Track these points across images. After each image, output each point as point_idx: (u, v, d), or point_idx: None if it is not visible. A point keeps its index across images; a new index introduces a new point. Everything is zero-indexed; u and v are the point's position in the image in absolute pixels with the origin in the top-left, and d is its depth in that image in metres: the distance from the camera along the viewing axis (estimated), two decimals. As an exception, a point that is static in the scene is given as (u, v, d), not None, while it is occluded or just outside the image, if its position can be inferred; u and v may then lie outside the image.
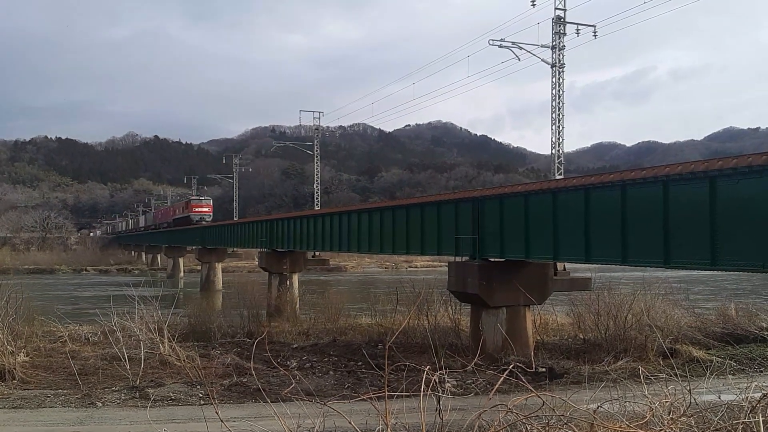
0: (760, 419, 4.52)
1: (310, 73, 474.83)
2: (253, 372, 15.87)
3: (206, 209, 79.95)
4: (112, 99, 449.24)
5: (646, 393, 6.25)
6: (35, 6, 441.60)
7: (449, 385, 15.30)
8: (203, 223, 72.91)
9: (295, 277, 40.58)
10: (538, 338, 21.73)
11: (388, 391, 4.96)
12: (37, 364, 18.53)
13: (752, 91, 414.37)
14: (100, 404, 14.62)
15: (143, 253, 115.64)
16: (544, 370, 17.72)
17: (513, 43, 31.02)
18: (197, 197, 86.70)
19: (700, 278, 49.43)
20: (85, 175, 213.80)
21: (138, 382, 16.07)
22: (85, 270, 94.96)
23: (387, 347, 5.29)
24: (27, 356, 18.95)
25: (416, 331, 21.97)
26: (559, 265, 20.84)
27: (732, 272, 17.71)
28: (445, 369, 5.58)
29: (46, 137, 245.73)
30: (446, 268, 21.77)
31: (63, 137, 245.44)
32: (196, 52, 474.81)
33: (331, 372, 18.49)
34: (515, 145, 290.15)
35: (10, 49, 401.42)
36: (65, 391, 15.65)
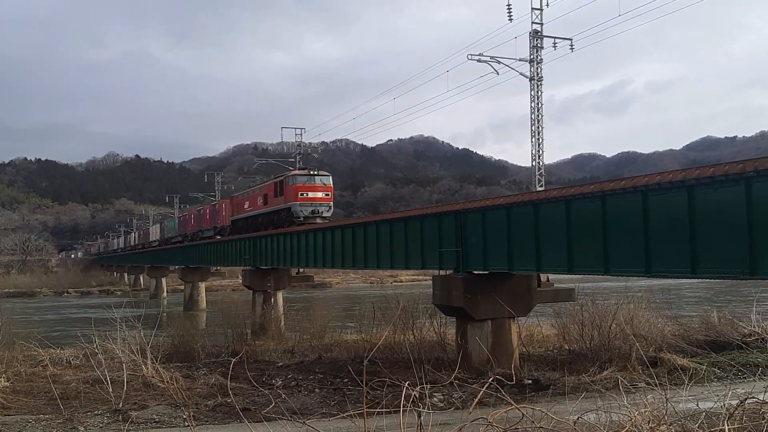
0: (726, 427, 4.56)
1: (292, 90, 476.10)
2: (231, 392, 15.73)
3: (322, 194, 40.75)
4: (93, 120, 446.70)
5: (627, 403, 6.28)
6: (18, 29, 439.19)
7: (435, 399, 15.27)
8: (318, 221, 38.13)
9: (280, 295, 40.32)
10: (524, 350, 21.75)
11: (374, 408, 4.94)
12: (18, 389, 18.21)
13: (727, 101, 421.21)
14: (82, 428, 14.39)
15: (125, 274, 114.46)
16: (530, 382, 17.72)
17: (491, 57, 31.30)
18: (305, 172, 42.77)
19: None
20: (66, 196, 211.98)
21: (121, 405, 15.85)
22: (67, 292, 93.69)
23: (365, 364, 5.28)
24: (7, 381, 18.63)
25: (403, 346, 21.91)
26: (543, 277, 20.92)
27: (712, 280, 17.95)
28: (427, 384, 5.58)
29: (25, 159, 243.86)
30: (431, 282, 21.78)
31: (43, 158, 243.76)
32: (178, 72, 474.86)
33: (316, 390, 18.36)
34: (497, 158, 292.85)
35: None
36: (47, 416, 15.38)
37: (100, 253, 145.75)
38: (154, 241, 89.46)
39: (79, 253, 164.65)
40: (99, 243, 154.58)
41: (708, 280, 18.86)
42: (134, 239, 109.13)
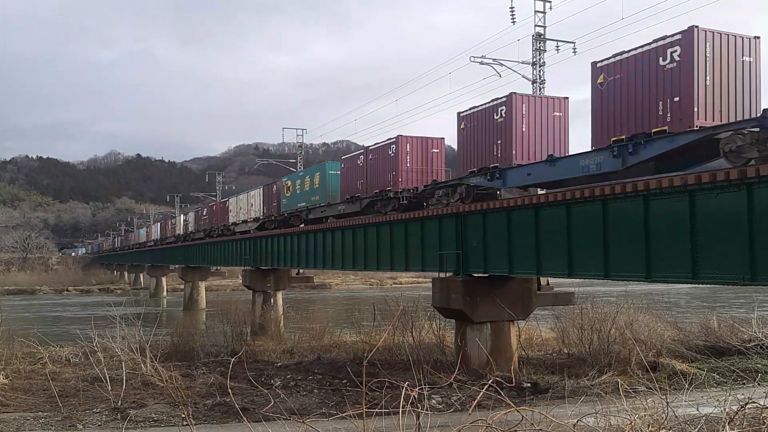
0: (727, 429, 4.55)
1: (295, 91, 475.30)
2: (230, 392, 15.72)
3: None
4: (96, 118, 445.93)
5: (626, 407, 6.27)
6: (25, 28, 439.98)
7: (434, 401, 15.26)
8: None
9: (279, 295, 40.33)
10: (523, 353, 21.73)
11: (373, 409, 4.93)
12: (17, 386, 18.23)
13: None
14: (81, 426, 14.40)
15: (126, 273, 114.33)
16: (529, 385, 17.71)
17: (494, 59, 31.32)
18: None
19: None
20: (67, 194, 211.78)
21: (119, 404, 15.86)
22: (67, 290, 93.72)
23: (364, 365, 5.28)
24: (6, 378, 18.66)
25: (402, 348, 21.90)
26: (542, 280, 20.90)
27: (713, 285, 17.90)
28: (426, 385, 5.58)
29: (27, 156, 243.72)
30: (430, 284, 21.76)
31: (44, 156, 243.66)
32: (181, 73, 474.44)
33: (315, 390, 18.36)
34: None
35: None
36: (45, 414, 15.40)
37: (114, 249, 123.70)
38: (244, 221, 43.28)
39: (81, 251, 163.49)
40: (114, 238, 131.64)
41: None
42: (181, 226, 67.24)
